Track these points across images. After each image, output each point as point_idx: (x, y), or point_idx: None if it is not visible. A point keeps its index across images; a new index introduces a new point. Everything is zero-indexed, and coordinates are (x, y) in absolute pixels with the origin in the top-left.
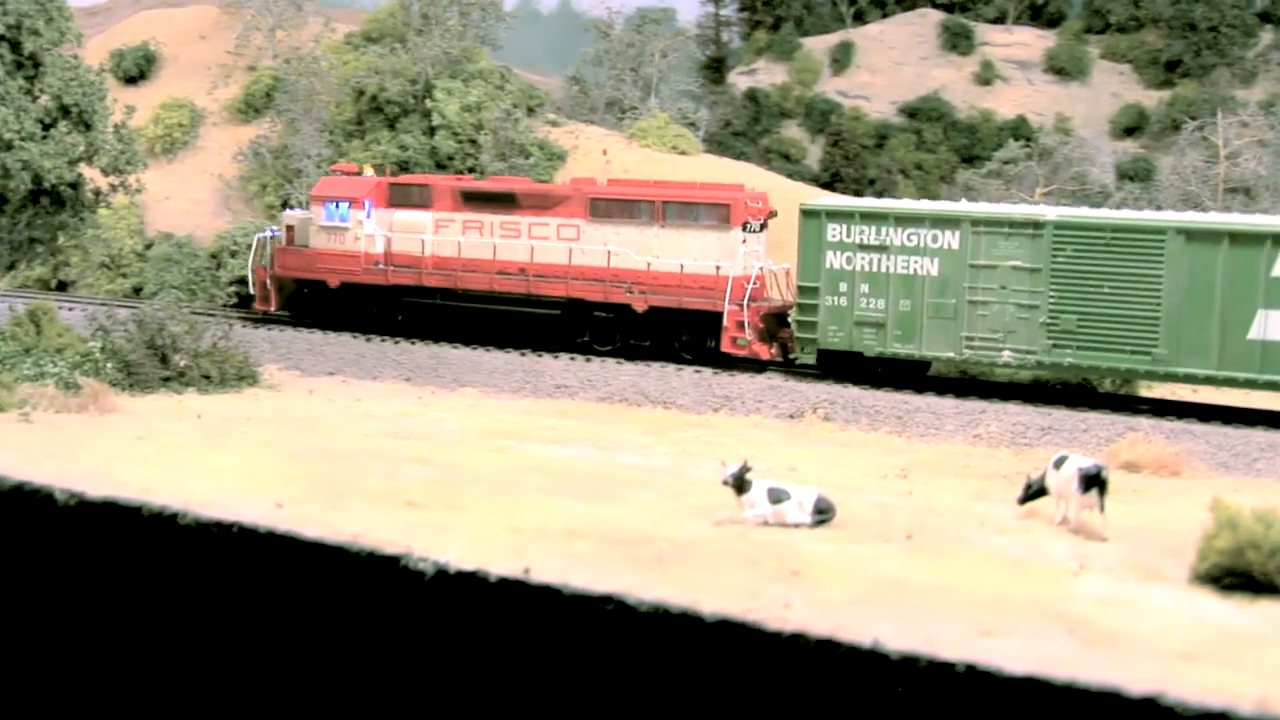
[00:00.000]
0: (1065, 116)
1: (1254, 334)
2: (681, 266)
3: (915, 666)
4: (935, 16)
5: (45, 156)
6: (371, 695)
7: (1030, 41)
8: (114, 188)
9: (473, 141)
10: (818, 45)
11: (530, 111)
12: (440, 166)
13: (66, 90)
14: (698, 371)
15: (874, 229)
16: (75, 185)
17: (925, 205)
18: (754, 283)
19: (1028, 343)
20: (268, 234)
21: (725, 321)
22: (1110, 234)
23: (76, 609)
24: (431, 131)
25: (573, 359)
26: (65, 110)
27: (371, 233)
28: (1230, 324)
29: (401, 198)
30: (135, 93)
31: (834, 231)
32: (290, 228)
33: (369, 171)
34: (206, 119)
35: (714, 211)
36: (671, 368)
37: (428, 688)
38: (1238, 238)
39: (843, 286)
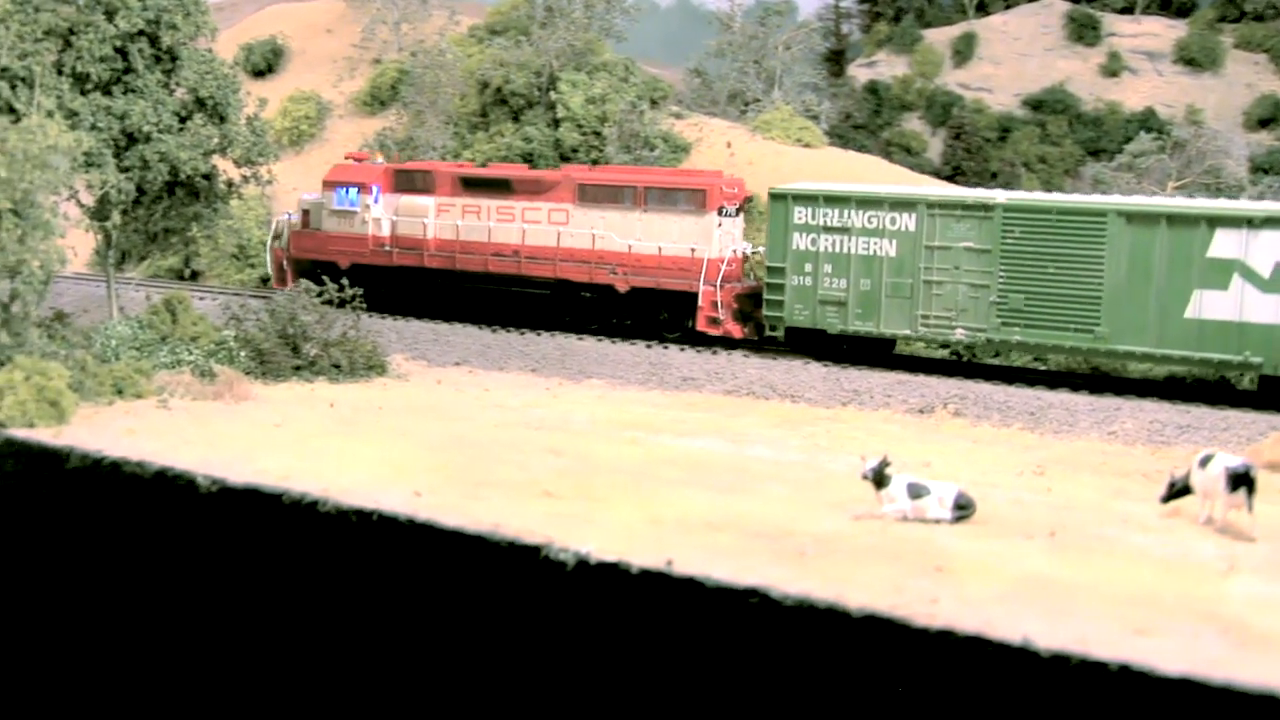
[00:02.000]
0: (1196, 108)
1: (1190, 313)
2: (660, 249)
3: (1067, 665)
4: (1061, 7)
5: (181, 148)
6: (513, 682)
7: (1160, 31)
8: (246, 179)
9: (597, 134)
10: (939, 37)
11: (654, 104)
12: (564, 158)
13: (202, 83)
14: (825, 365)
15: (837, 211)
16: (209, 176)
17: (884, 189)
18: (727, 264)
19: (978, 321)
20: (285, 217)
21: (700, 301)
22: (1055, 216)
23: (218, 593)
24: (556, 124)
25: (698, 352)
26: (200, 103)
27: (378, 216)
28: (1169, 303)
29: (406, 183)
30: (263, 86)
31: (800, 214)
32: (305, 211)
33: (379, 159)
34: (333, 111)
35: (691, 196)
36: (799, 362)
37: (568, 677)
38: (1175, 219)
39: (808, 267)
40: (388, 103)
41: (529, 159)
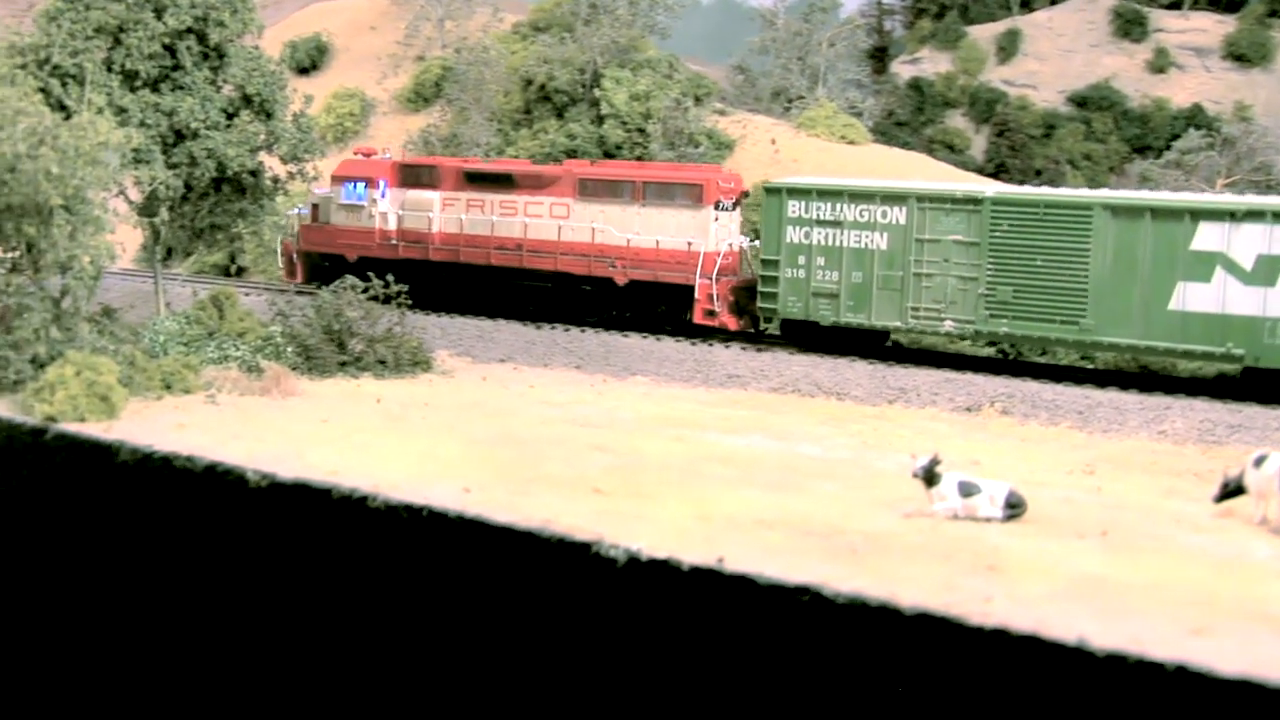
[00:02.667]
0: (1245, 105)
1: (1174, 305)
2: (658, 243)
3: (1123, 665)
4: (1106, 2)
5: (229, 145)
6: (564, 679)
7: (1208, 27)
8: (292, 175)
9: (641, 130)
10: (983, 33)
11: (698, 101)
12: (608, 155)
13: (249, 80)
14: (871, 363)
15: (829, 205)
16: (255, 173)
17: (875, 183)
18: (723, 258)
19: (967, 313)
20: (295, 211)
21: (697, 294)
22: (1042, 210)
23: (268, 588)
24: (600, 120)
25: (743, 349)
26: (247, 100)
27: (385, 210)
28: (1153, 295)
29: (413, 178)
30: (307, 83)
31: (794, 208)
32: (315, 205)
33: (387, 153)
34: (377, 108)
35: (688, 191)
36: (844, 360)
37: (619, 674)
38: (1159, 213)
39: (801, 260)
40: (431, 100)
41: (572, 155)
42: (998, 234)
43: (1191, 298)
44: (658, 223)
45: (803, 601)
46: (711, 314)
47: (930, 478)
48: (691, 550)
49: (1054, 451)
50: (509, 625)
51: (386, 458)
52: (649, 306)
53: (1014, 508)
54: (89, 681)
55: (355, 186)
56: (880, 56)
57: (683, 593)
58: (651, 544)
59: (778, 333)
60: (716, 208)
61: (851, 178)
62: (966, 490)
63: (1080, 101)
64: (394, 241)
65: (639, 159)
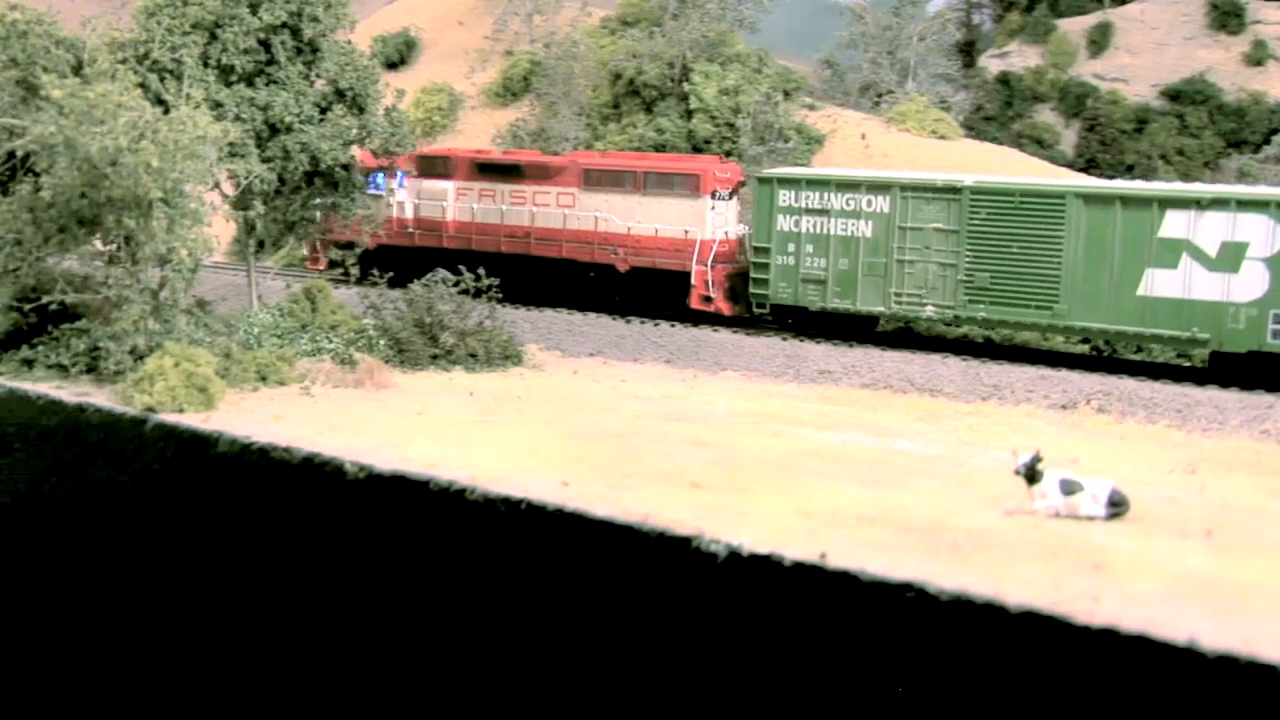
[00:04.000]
0: None
1: (1142, 290)
2: (657, 230)
3: (1235, 666)
4: None
5: (322, 139)
6: (664, 675)
7: None
8: (383, 169)
9: (730, 125)
10: (1074, 27)
11: (786, 95)
12: (697, 150)
13: (341, 75)
14: (964, 360)
15: (818, 194)
16: (347, 167)
17: (861, 173)
18: (719, 245)
19: (946, 298)
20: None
21: (693, 280)
22: (1018, 198)
23: (367, 579)
24: (689, 115)
25: (834, 345)
26: (340, 94)
27: (402, 200)
28: (1122, 282)
29: (429, 168)
30: (396, 78)
31: (784, 197)
32: None
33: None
34: (465, 103)
35: (686, 181)
36: (937, 356)
37: (720, 670)
38: (1129, 201)
39: (791, 247)
40: (519, 94)
41: (661, 150)
42: (976, 222)
43: (1159, 283)
44: (657, 211)
45: (907, 598)
46: (708, 300)
47: (1032, 475)
48: (793, 546)
49: (1153, 450)
50: (608, 620)
51: (482, 450)
52: (649, 292)
53: (1117, 506)
54: (187, 670)
55: (376, 176)
56: (968, 51)
57: (785, 588)
58: (752, 539)
59: (774, 318)
60: (713, 197)
61: (844, 169)
62: (1069, 488)
63: (1174, 95)
64: (410, 230)
65: (728, 154)
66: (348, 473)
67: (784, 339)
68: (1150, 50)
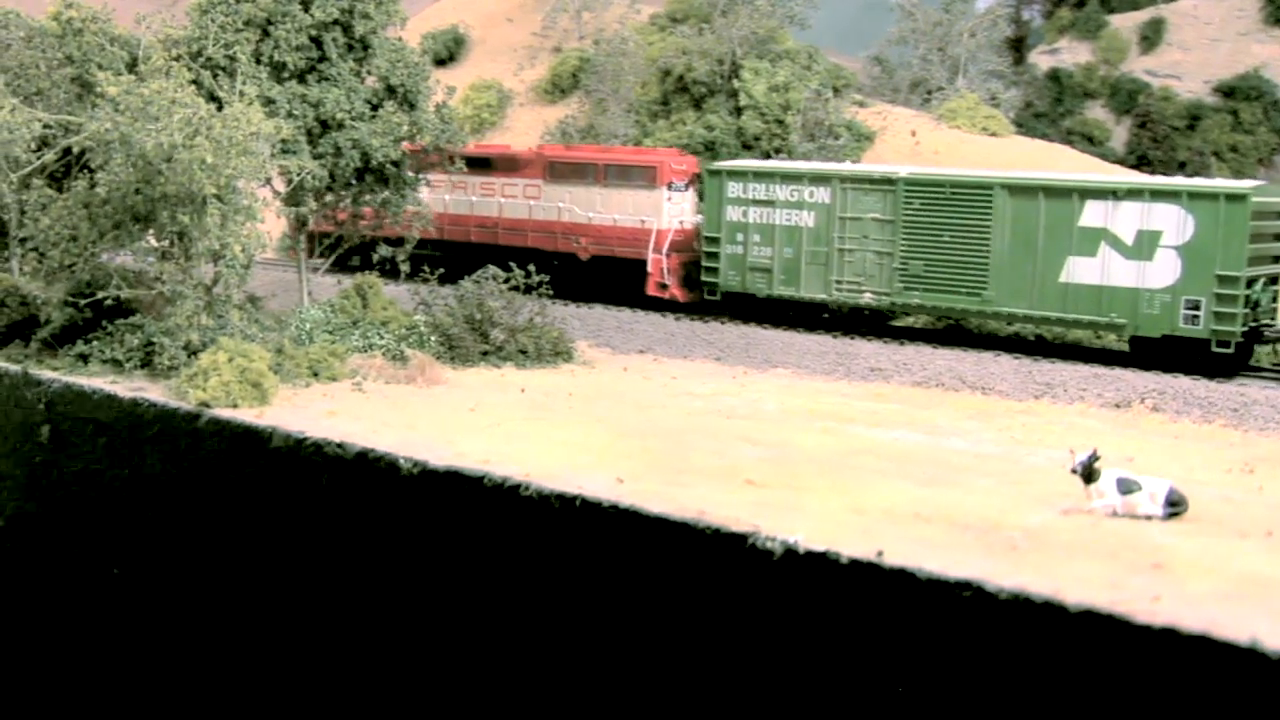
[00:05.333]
0: None
1: (1064, 277)
2: (615, 220)
3: None
4: None
5: (373, 135)
6: (719, 672)
7: None
8: (433, 165)
9: (780, 122)
10: (1125, 22)
11: (836, 92)
12: (746, 147)
13: (392, 72)
14: (1016, 358)
15: (764, 186)
16: (398, 163)
17: (804, 165)
18: (674, 235)
19: (883, 285)
20: None
21: (650, 268)
22: (949, 189)
23: (418, 575)
24: (738, 112)
25: (885, 343)
26: (391, 91)
27: None
28: (1045, 269)
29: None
30: (445, 74)
31: (733, 189)
32: None
33: None
34: (514, 100)
35: (643, 173)
36: (989, 354)
37: (775, 668)
38: (1051, 192)
39: (739, 237)
40: (568, 91)
41: (711, 147)
42: (910, 212)
43: (1079, 271)
44: (617, 202)
45: (964, 597)
46: (663, 286)
47: (1089, 474)
48: (848, 543)
49: (1209, 450)
50: (663, 617)
51: (535, 447)
52: (608, 280)
53: (1175, 506)
54: (241, 665)
55: None
56: (1018, 47)
57: (841, 586)
58: (808, 536)
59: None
60: (669, 188)
61: (789, 162)
62: (1126, 487)
63: (1227, 91)
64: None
65: (777, 151)
66: (402, 469)
67: (834, 337)
68: (1203, 46)
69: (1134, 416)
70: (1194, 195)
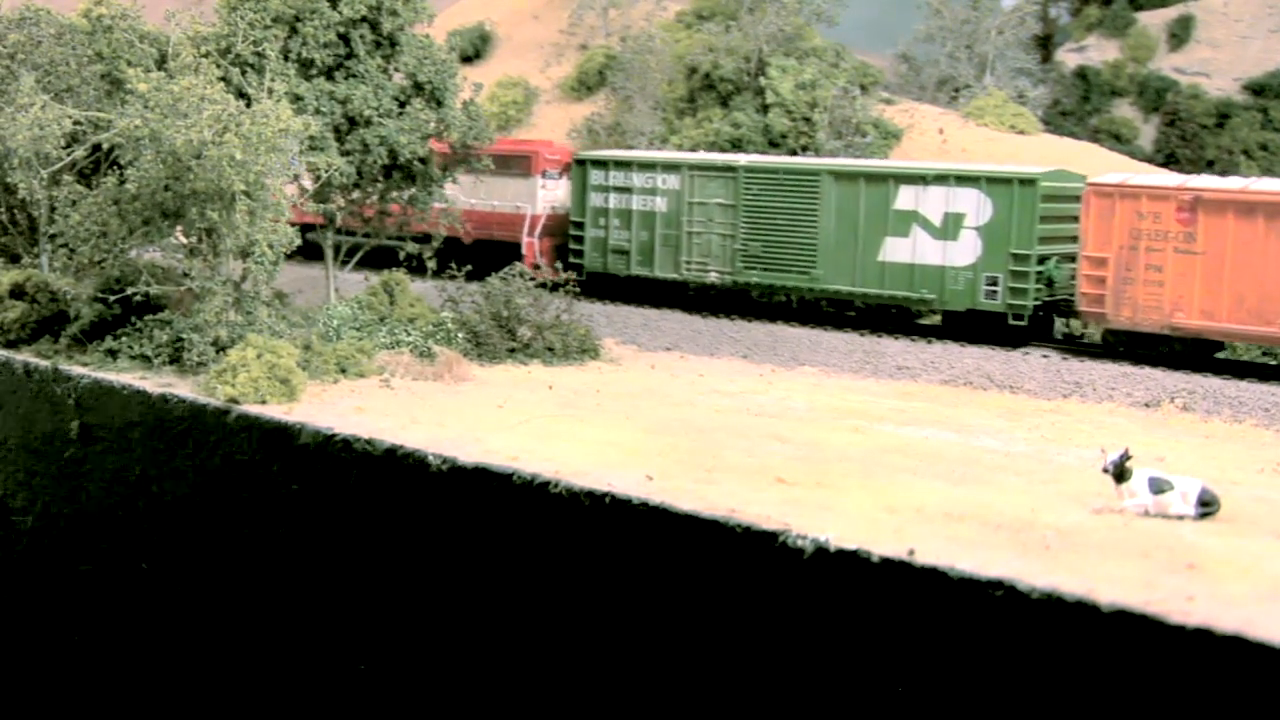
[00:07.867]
0: None
1: (881, 256)
2: (494, 206)
3: None
4: None
5: (400, 132)
6: (749, 671)
7: None
8: (460, 162)
9: (806, 120)
10: (1153, 20)
11: (863, 89)
12: (773, 145)
13: (420, 68)
14: (1045, 356)
15: (623, 174)
16: (425, 160)
17: (656, 154)
18: (546, 219)
19: (726, 265)
20: None
21: (524, 250)
22: (782, 176)
23: (447, 571)
24: (765, 109)
25: (912, 341)
26: (419, 87)
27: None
28: (866, 249)
29: None
30: (470, 71)
31: (595, 176)
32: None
33: None
34: (540, 97)
35: (519, 162)
36: (1018, 353)
37: (806, 667)
38: (870, 178)
39: (601, 221)
40: (595, 88)
41: (737, 145)
42: (749, 197)
43: (894, 250)
44: (497, 189)
45: (996, 596)
46: (537, 268)
47: (1121, 473)
48: (879, 542)
49: (1241, 449)
50: (693, 615)
51: (565, 444)
52: (488, 261)
53: (1207, 505)
54: (270, 660)
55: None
56: (1045, 44)
57: (872, 585)
58: (839, 535)
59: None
60: (544, 176)
61: (646, 151)
62: (1158, 487)
63: (1257, 89)
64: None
65: (804, 148)
66: (431, 465)
67: (861, 335)
68: (1233, 43)
69: (1164, 416)
70: (991, 180)
